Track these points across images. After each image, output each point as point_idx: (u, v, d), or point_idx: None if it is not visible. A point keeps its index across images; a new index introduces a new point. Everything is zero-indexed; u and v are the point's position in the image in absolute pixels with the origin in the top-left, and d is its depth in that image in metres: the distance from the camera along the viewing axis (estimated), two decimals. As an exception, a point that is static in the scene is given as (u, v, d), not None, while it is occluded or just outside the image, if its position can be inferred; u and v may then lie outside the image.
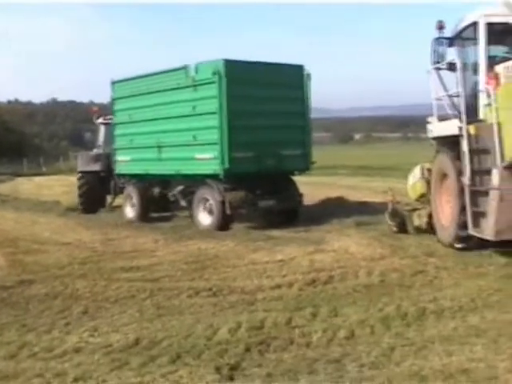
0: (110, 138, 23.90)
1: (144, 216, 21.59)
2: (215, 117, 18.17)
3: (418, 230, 15.96)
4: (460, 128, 13.27)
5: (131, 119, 22.05)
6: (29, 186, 45.27)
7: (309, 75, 19.89)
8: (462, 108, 13.41)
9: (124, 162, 22.67)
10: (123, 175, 23.15)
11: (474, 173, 12.94)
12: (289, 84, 19.61)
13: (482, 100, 13.33)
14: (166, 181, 21.49)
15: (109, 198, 25.37)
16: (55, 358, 7.79)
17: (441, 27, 14.50)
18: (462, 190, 13.31)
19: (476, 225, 12.91)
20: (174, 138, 19.95)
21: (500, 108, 12.42)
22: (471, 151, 12.98)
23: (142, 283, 11.74)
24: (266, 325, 8.83)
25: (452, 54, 14.92)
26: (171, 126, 19.99)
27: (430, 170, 15.68)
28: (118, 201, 24.17)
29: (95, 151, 26.16)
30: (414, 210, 16.29)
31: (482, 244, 13.16)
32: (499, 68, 12.88)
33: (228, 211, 18.26)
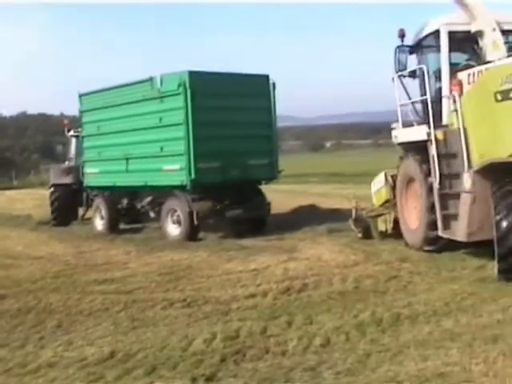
0: (81, 150, 23.79)
1: (113, 228, 21.61)
2: (181, 128, 18.22)
3: (383, 235, 16.29)
4: (428, 133, 13.56)
5: (99, 131, 22.07)
6: (0, 199, 44.94)
7: (274, 84, 19.99)
8: (430, 114, 13.66)
9: (93, 175, 22.65)
10: (92, 187, 23.10)
11: (442, 177, 13.25)
12: (254, 94, 19.68)
13: (446, 106, 13.78)
14: (134, 192, 21.54)
15: (81, 211, 25.27)
16: (29, 374, 7.73)
17: (402, 35, 14.92)
18: (430, 194, 13.66)
19: (446, 227, 13.24)
20: (142, 149, 19.99)
21: (465, 114, 12.78)
22: (439, 156, 13.30)
23: (116, 295, 11.68)
24: (241, 334, 8.81)
25: (413, 61, 15.40)
26: (138, 138, 20.01)
27: (393, 177, 16.06)
28: (91, 213, 24.06)
29: (67, 164, 26.12)
30: (379, 215, 16.59)
31: (451, 245, 13.48)
32: (462, 75, 13.33)
33: (195, 221, 18.31)
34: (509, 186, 11.44)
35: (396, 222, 15.82)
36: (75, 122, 24.56)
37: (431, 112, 13.69)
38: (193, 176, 18.08)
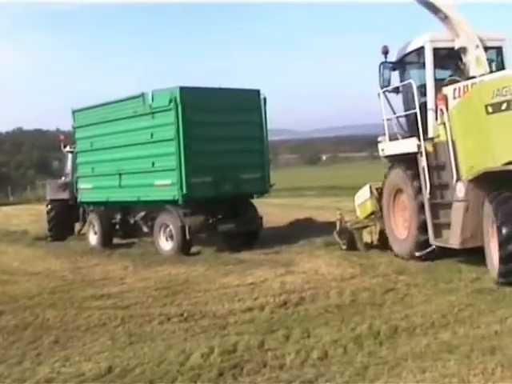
0: (75, 166, 23.85)
1: (107, 243, 21.65)
2: (172, 143, 18.28)
3: (368, 246, 16.64)
4: (419, 146, 14.04)
5: (92, 147, 22.15)
6: (-4, 215, 44.93)
7: (265, 99, 20.08)
8: (420, 127, 14.21)
9: (86, 190, 22.73)
10: (86, 203, 23.14)
11: (433, 187, 13.80)
12: (245, 108, 19.73)
13: (431, 119, 14.33)
14: (128, 207, 21.58)
15: (77, 226, 25.27)
16: (27, 390, 7.72)
17: (385, 52, 15.59)
18: (420, 204, 14.19)
19: (437, 235, 13.80)
20: (134, 165, 20.04)
21: (454, 126, 13.33)
22: (429, 167, 13.88)
23: (113, 311, 11.65)
24: (238, 348, 8.79)
25: (397, 77, 16.05)
26: (131, 154, 20.06)
27: (378, 189, 16.57)
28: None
29: (63, 179, 26.10)
30: (364, 227, 16.91)
31: (441, 253, 14.05)
32: (447, 89, 13.87)
33: (188, 236, 18.36)
34: (507, 193, 11.79)
35: (381, 234, 16.27)
36: (71, 138, 24.59)
37: (421, 125, 14.23)
38: (184, 191, 18.14)
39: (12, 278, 16.25)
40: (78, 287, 14.47)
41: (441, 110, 13.66)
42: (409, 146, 14.58)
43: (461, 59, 14.57)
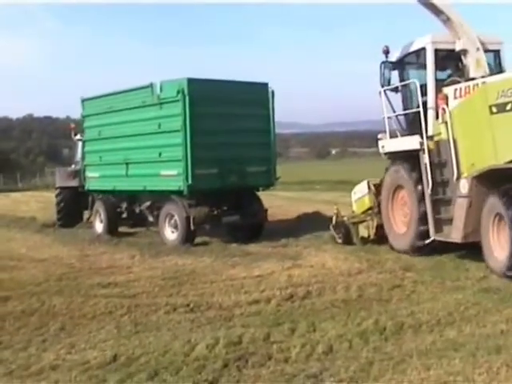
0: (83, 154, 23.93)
1: (111, 231, 21.75)
2: (179, 134, 18.25)
3: (364, 241, 16.96)
4: (421, 143, 14.42)
5: (100, 136, 22.21)
6: (5, 201, 45.05)
7: (273, 92, 20.05)
8: (423, 125, 14.51)
9: (94, 179, 22.80)
10: (94, 191, 23.21)
11: (434, 183, 14.20)
12: (253, 101, 19.69)
13: (431, 118, 14.62)
14: (134, 197, 21.65)
15: (86, 214, 25.32)
16: (32, 376, 7.75)
17: (386, 52, 15.80)
18: (420, 197, 14.61)
19: (438, 230, 14.25)
20: (141, 154, 20.08)
21: (455, 125, 13.72)
22: (431, 164, 14.27)
23: (120, 299, 11.66)
24: (243, 340, 8.80)
25: (397, 77, 16.33)
26: (138, 143, 20.09)
27: (376, 185, 17.00)
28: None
29: (73, 167, 26.15)
30: (361, 221, 17.25)
31: (444, 248, 14.48)
32: (448, 90, 14.17)
33: (192, 227, 18.39)
34: None
35: (378, 228, 16.67)
36: (81, 126, 24.63)
37: (424, 123, 14.55)
38: (190, 182, 18.14)
39: (19, 264, 16.28)
40: (84, 275, 14.49)
41: (443, 109, 13.95)
42: (411, 143, 14.91)
43: (461, 61, 14.86)
